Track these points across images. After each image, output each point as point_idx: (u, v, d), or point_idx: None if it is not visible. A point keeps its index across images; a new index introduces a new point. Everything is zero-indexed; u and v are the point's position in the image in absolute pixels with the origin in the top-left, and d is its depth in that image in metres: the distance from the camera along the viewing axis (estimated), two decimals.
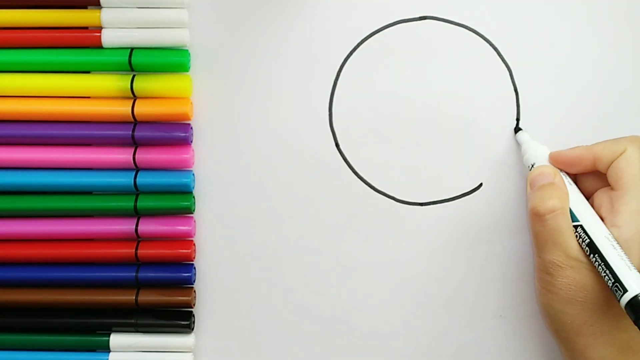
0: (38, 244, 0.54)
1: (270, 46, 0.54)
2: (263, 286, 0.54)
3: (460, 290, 0.54)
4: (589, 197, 0.50)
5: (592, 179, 0.51)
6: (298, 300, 0.54)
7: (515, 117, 0.53)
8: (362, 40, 0.54)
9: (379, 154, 0.54)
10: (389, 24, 0.54)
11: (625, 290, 0.44)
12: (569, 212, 0.48)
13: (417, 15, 0.54)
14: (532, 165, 0.51)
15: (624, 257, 0.46)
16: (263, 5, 0.54)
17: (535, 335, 0.54)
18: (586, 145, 0.50)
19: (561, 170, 0.50)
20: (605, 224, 0.48)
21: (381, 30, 0.54)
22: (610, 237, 0.47)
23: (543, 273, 0.48)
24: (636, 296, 0.43)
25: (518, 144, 0.53)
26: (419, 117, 0.54)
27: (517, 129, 0.53)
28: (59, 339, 0.53)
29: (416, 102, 0.54)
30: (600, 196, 0.50)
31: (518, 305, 0.54)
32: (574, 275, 0.47)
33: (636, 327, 0.43)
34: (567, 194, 0.49)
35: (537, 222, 0.48)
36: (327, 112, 0.54)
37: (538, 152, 0.51)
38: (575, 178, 0.51)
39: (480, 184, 0.54)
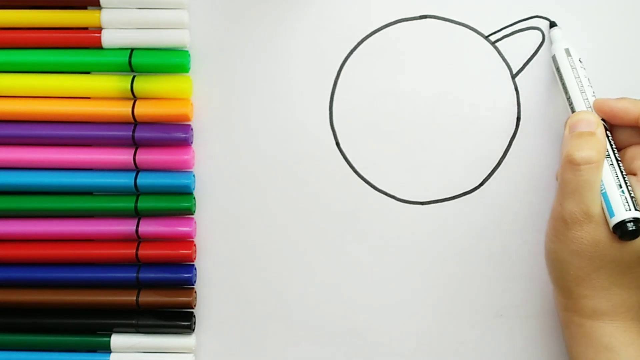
0: (38, 244, 0.54)
1: (270, 46, 0.54)
2: (263, 287, 0.55)
3: (460, 290, 0.54)
4: (620, 149, 0.49)
5: (628, 132, 0.49)
6: (298, 301, 0.55)
7: (515, 117, 0.53)
8: (362, 39, 0.54)
9: (379, 153, 0.54)
10: (390, 22, 0.54)
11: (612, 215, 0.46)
12: (603, 167, 0.47)
13: (418, 14, 0.54)
14: (559, 70, 0.50)
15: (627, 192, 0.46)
16: (263, 6, 0.54)
17: (535, 335, 0.54)
18: (633, 99, 0.49)
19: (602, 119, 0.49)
20: (633, 179, 0.47)
21: (381, 29, 0.54)
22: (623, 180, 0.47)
23: (559, 221, 0.47)
24: (622, 221, 0.46)
25: (550, 41, 0.52)
26: (419, 116, 0.54)
27: (552, 24, 0.53)
28: (60, 340, 0.54)
29: (416, 101, 0.54)
30: (635, 151, 0.49)
31: (518, 305, 0.54)
32: (589, 230, 0.46)
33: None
34: (605, 148, 0.47)
35: (569, 169, 0.46)
36: (328, 111, 0.54)
37: (578, 93, 0.50)
38: (611, 129, 0.50)
39: (480, 184, 0.54)
